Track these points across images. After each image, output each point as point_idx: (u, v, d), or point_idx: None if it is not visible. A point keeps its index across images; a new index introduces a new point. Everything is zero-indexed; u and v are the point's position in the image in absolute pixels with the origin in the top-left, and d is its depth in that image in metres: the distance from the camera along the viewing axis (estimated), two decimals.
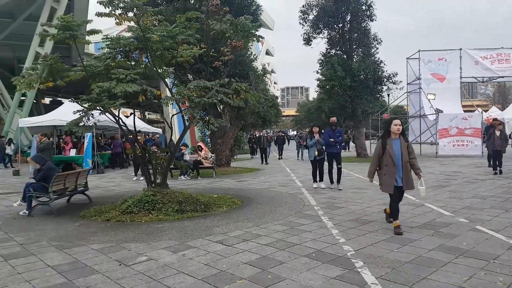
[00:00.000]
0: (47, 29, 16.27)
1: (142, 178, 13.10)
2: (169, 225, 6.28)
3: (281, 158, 21.02)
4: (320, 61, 20.29)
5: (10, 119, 23.88)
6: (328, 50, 20.43)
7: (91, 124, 7.49)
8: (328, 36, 20.19)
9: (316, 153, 9.44)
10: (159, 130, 25.04)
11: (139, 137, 13.44)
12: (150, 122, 47.01)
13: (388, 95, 21.47)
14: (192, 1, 14.78)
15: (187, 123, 8.67)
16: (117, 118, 8.06)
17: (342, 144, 10.67)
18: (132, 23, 8.06)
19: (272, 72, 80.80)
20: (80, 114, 7.38)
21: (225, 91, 7.51)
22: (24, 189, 7.91)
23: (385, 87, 19.84)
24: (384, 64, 19.49)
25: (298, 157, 20.70)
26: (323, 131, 10.27)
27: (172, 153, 8.29)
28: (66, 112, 15.88)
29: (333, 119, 10.04)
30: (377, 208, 7.11)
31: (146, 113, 56.62)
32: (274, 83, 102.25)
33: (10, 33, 24.43)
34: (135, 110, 10.39)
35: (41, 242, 5.44)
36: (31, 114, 24.23)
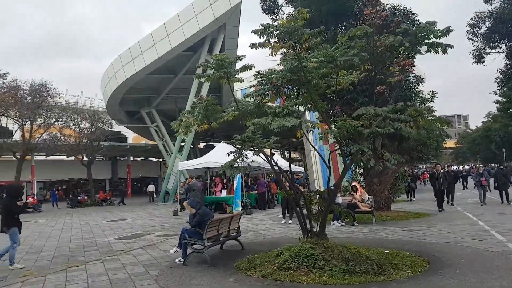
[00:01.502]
0: (201, 73, 17.46)
1: (290, 221, 12.18)
2: None
3: (453, 203, 15.72)
4: (499, 80, 16.62)
5: (172, 162, 26.76)
6: (509, 65, 16.62)
7: (245, 166, 6.81)
8: (508, 50, 16.49)
9: None
10: (301, 169, 24.34)
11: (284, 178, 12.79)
12: (291, 161, 47.32)
13: None
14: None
15: (334, 160, 7.35)
16: (269, 158, 7.29)
17: None
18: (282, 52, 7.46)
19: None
20: (233, 156, 6.82)
21: (402, 118, 5.95)
22: (180, 235, 7.67)
23: None
24: None
25: (481, 200, 15.33)
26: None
27: (331, 196, 6.98)
28: (218, 154, 16.53)
29: None
30: None
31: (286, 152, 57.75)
32: None
33: (172, 87, 28.10)
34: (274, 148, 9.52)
35: None
36: (189, 157, 26.72)
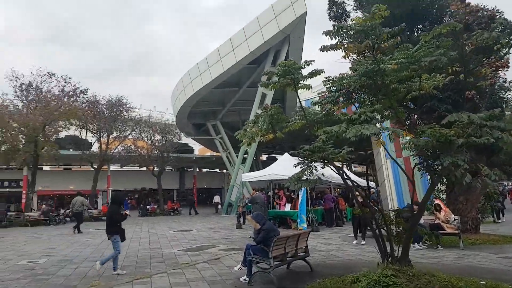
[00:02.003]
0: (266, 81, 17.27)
1: (363, 242, 11.20)
2: None
3: None
4: None
5: (235, 173, 26.87)
6: None
7: (314, 178, 6.23)
8: None
9: None
10: (372, 184, 22.86)
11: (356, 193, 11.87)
12: (355, 174, 45.34)
13: None
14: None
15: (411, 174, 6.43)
16: (340, 171, 6.64)
17: None
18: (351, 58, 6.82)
19: None
20: (301, 168, 6.28)
21: (501, 126, 4.99)
22: (245, 251, 7.26)
23: None
24: None
25: None
26: None
27: (418, 216, 6.10)
28: (282, 166, 16.06)
29: None
30: None
31: (352, 165, 55.47)
32: None
33: (236, 100, 28.50)
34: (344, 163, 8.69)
35: None
36: (251, 169, 26.65)
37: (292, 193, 17.69)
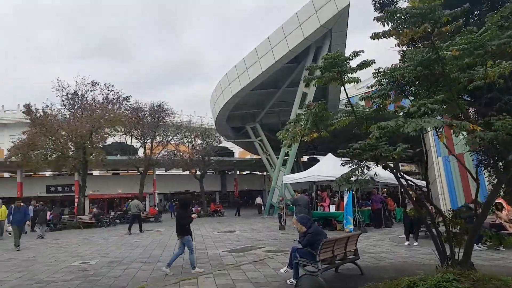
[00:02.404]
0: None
1: (416, 244, 10.56)
2: None
3: None
4: None
5: (276, 175, 26.63)
6: None
7: (366, 179, 5.85)
8: None
9: None
10: (422, 183, 21.55)
11: (411, 192, 11.21)
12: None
13: None
14: None
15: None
16: (394, 170, 6.21)
17: None
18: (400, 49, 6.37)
19: None
20: (350, 167, 5.92)
21: None
22: (291, 254, 7.02)
23: None
24: None
25: None
26: None
27: (482, 217, 5.54)
28: (325, 167, 15.62)
29: None
30: None
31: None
32: None
33: (275, 101, 28.25)
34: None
35: None
36: (292, 171, 26.26)
37: (335, 194, 17.17)
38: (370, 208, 15.91)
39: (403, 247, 10.41)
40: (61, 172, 31.48)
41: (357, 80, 6.55)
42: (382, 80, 6.43)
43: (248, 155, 47.39)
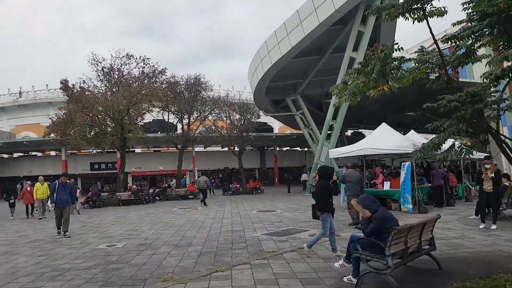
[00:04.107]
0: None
1: (494, 227, 8.70)
2: None
3: None
4: None
5: (319, 151, 24.86)
6: None
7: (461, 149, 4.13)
8: None
9: None
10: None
11: (488, 165, 9.21)
12: None
13: None
14: None
15: None
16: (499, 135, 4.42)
17: None
18: None
19: None
20: (444, 130, 4.22)
21: None
22: (349, 244, 5.53)
23: None
24: None
25: None
26: None
27: None
28: (378, 139, 13.73)
29: None
30: None
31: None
32: None
33: (319, 70, 26.04)
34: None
35: None
36: (336, 146, 24.35)
37: (389, 170, 15.25)
38: (429, 185, 13.90)
39: (479, 231, 8.56)
40: (104, 150, 31.68)
41: (443, 12, 4.74)
42: (473, 15, 4.65)
43: (288, 130, 45.71)
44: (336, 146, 22.38)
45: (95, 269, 6.52)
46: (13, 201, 16.45)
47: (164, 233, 10.29)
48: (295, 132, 40.38)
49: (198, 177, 21.86)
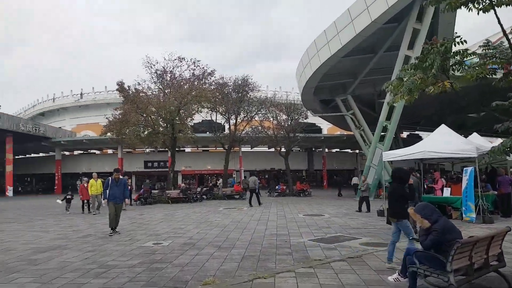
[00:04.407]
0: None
1: None
2: None
3: None
4: None
5: (372, 153, 23.76)
6: None
7: None
8: None
9: None
10: None
11: None
12: None
13: None
14: None
15: None
16: None
17: None
18: None
19: None
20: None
21: None
22: (405, 257, 5.01)
23: None
24: None
25: None
26: None
27: None
28: (437, 141, 12.71)
29: None
30: None
31: None
32: None
33: (370, 69, 24.90)
34: None
35: None
36: (390, 149, 23.12)
37: (448, 175, 14.07)
38: (495, 192, 12.62)
39: None
40: (156, 148, 32.89)
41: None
42: None
43: (338, 131, 44.52)
44: (391, 149, 21.24)
45: (139, 267, 6.54)
46: (70, 196, 16.88)
47: (208, 233, 10.24)
48: (345, 133, 39.21)
49: (244, 177, 21.68)
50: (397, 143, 31.64)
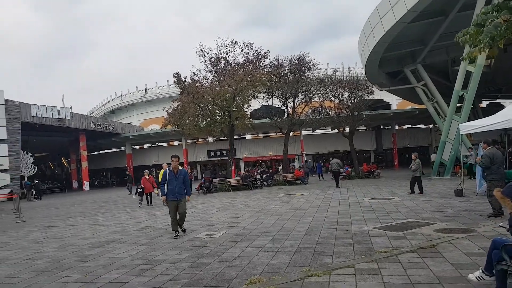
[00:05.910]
0: None
1: None
2: None
3: None
4: None
5: (447, 127, 21.33)
6: None
7: None
8: None
9: None
10: None
11: None
12: None
13: None
14: None
15: None
16: None
17: None
18: None
19: None
20: None
21: None
22: (490, 250, 3.94)
23: None
24: None
25: None
26: None
27: None
28: None
29: None
30: None
31: None
32: None
33: (442, 33, 22.12)
34: None
35: None
36: (468, 120, 20.48)
37: None
38: None
39: None
40: (217, 138, 33.23)
41: None
42: None
43: (409, 106, 41.17)
44: (468, 120, 18.77)
45: (185, 262, 6.18)
46: (140, 190, 16.52)
47: (263, 222, 9.70)
48: (417, 107, 36.06)
49: (306, 161, 21.85)
50: (476, 114, 28.22)
